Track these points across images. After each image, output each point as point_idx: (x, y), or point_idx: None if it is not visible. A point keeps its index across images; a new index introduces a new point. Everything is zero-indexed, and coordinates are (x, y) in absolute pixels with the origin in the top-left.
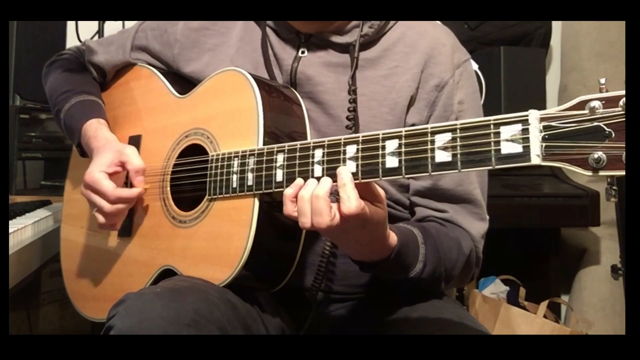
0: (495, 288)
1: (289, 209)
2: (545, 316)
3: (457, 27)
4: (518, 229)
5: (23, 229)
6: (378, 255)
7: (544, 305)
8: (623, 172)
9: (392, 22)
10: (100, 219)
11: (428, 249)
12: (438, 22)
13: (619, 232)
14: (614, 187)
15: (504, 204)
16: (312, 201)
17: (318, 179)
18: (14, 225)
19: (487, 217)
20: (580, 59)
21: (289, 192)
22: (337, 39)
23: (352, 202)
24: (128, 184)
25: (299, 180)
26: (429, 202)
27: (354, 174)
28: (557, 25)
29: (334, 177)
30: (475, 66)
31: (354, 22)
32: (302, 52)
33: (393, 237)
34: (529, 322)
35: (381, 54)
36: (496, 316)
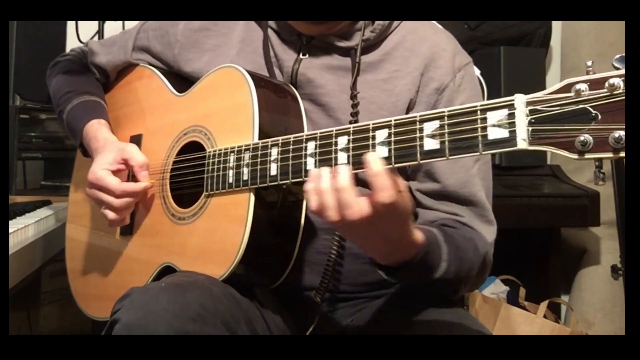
0: (495, 288)
1: (313, 203)
2: (545, 316)
3: (457, 27)
4: (518, 229)
5: (24, 229)
6: (406, 255)
7: (544, 305)
8: (609, 155)
9: (393, 26)
10: (110, 215)
11: (450, 248)
12: (439, 26)
13: (618, 232)
14: (602, 171)
15: (504, 204)
16: (339, 194)
17: (330, 167)
18: (13, 225)
19: (495, 221)
20: (580, 59)
21: (310, 186)
22: (338, 42)
23: (388, 190)
24: (130, 180)
25: (315, 171)
26: (439, 205)
27: (345, 164)
28: (557, 25)
29: (330, 166)
30: (477, 72)
31: (355, 26)
32: (304, 54)
33: (419, 234)
34: (529, 322)
35: (382, 58)
36: (496, 316)
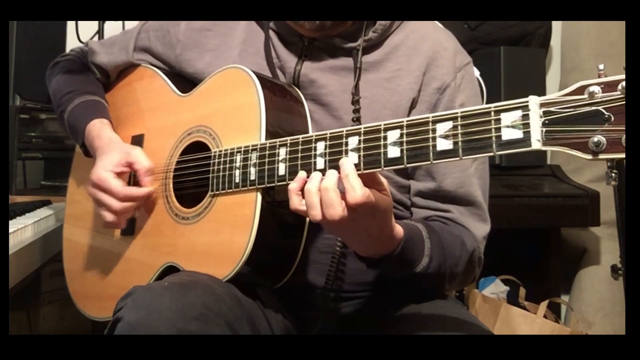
0: (495, 288)
1: (295, 203)
2: (545, 316)
3: (457, 27)
4: (518, 229)
5: (23, 229)
6: (385, 248)
7: (544, 305)
8: (622, 155)
9: (394, 26)
10: (108, 217)
11: (433, 243)
12: (440, 25)
13: (618, 232)
14: (614, 171)
15: (504, 204)
16: (322, 194)
17: (322, 171)
18: (14, 225)
19: (489, 219)
20: (580, 59)
21: (293, 186)
22: (340, 43)
23: (357, 191)
24: (131, 183)
25: (302, 174)
26: (430, 203)
27: (356, 165)
28: (557, 25)
29: (336, 169)
30: (476, 72)
31: (357, 27)
32: (305, 55)
33: (399, 229)
34: (529, 322)
35: (384, 57)
36: (496, 316)
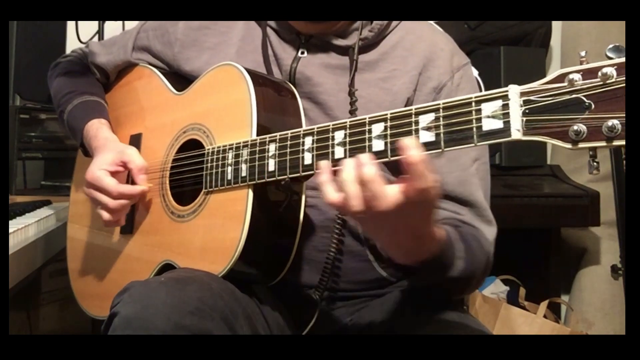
0: (495, 288)
1: (329, 193)
2: (545, 316)
3: (457, 27)
4: (518, 229)
5: (24, 229)
6: (425, 251)
7: (544, 305)
8: (603, 143)
9: (391, 26)
10: (105, 215)
11: (464, 246)
12: (437, 27)
13: (618, 232)
14: (596, 160)
15: (504, 204)
16: (367, 186)
17: (309, 166)
18: (14, 225)
19: (494, 221)
20: (580, 59)
21: (324, 177)
22: (337, 41)
23: (425, 178)
24: (130, 182)
25: (325, 163)
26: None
27: (341, 159)
28: (557, 25)
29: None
30: (475, 72)
31: (354, 25)
32: (302, 53)
33: (440, 230)
34: (529, 322)
35: (380, 57)
36: (496, 316)
